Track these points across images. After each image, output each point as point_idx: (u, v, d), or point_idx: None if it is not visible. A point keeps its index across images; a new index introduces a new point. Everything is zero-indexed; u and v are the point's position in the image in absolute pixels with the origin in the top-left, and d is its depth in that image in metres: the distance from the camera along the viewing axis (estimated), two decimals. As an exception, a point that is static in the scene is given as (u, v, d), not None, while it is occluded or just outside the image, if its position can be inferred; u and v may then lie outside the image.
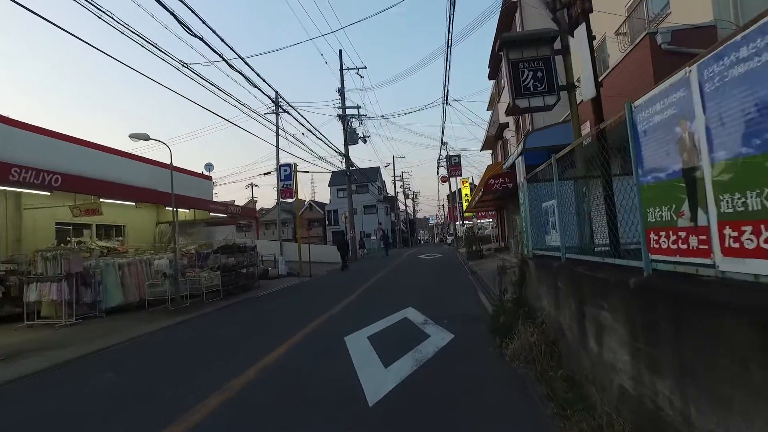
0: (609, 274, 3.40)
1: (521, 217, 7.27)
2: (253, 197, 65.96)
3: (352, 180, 56.66)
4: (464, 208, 39.06)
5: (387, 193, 76.84)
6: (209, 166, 23.64)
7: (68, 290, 9.81)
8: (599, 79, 8.66)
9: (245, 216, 17.15)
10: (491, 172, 23.58)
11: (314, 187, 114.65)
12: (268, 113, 31.13)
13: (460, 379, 4.74)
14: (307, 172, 33.39)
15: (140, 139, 11.21)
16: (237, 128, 54.25)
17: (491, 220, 47.00)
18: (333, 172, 63.03)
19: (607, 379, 3.35)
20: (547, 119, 14.58)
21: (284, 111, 29.94)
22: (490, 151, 30.27)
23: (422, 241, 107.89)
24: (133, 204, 15.31)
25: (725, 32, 7.31)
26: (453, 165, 41.48)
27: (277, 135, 30.95)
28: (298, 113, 23.86)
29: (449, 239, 53.85)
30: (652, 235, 2.81)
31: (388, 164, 64.91)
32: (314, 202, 77.91)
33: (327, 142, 27.47)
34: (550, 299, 5.09)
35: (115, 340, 8.08)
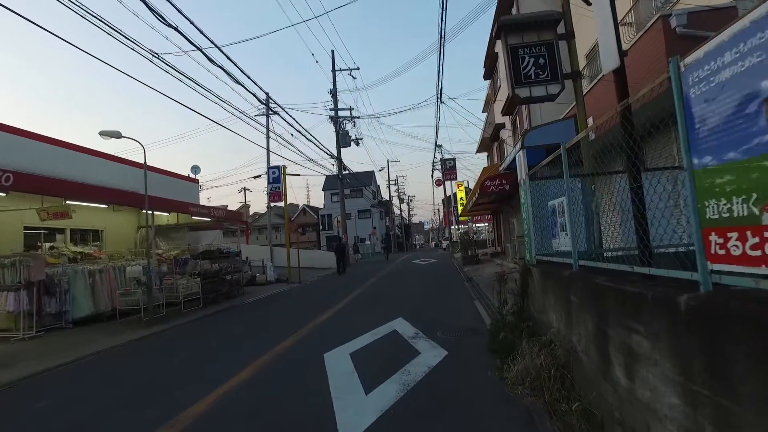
0: (642, 287, 2.64)
1: (522, 220, 6.53)
2: (245, 202, 65.04)
3: (346, 184, 55.95)
4: (459, 212, 38.35)
5: (381, 198, 76.15)
6: (195, 169, 22.83)
7: (27, 300, 8.98)
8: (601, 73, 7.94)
9: (231, 220, 16.36)
10: (487, 174, 22.91)
11: (309, 191, 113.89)
12: (258, 115, 30.36)
13: (453, 411, 3.96)
14: (299, 175, 32.70)
15: (111, 137, 10.42)
16: (227, 131, 53.42)
17: (487, 224, 46.34)
18: (327, 176, 62.27)
19: (643, 424, 2.59)
20: (546, 116, 13.88)
21: (275, 113, 29.26)
22: (486, 154, 29.59)
23: (417, 246, 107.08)
24: (110, 207, 14.51)
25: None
26: (448, 169, 40.82)
27: (268, 137, 30.22)
28: (289, 115, 23.23)
29: (444, 244, 53.14)
30: (713, 237, 2.05)
31: (382, 168, 64.24)
32: (308, 206, 77.10)
33: (318, 144, 26.79)
34: (560, 314, 4.35)
35: (70, 356, 7.25)
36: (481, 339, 6.33)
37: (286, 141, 38.13)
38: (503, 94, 18.76)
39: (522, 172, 6.17)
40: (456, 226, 44.52)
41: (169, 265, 12.69)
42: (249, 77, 19.46)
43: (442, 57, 16.80)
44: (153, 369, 6.38)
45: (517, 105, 13.89)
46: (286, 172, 29.77)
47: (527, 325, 5.33)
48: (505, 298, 6.82)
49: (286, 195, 20.13)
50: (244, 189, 64.75)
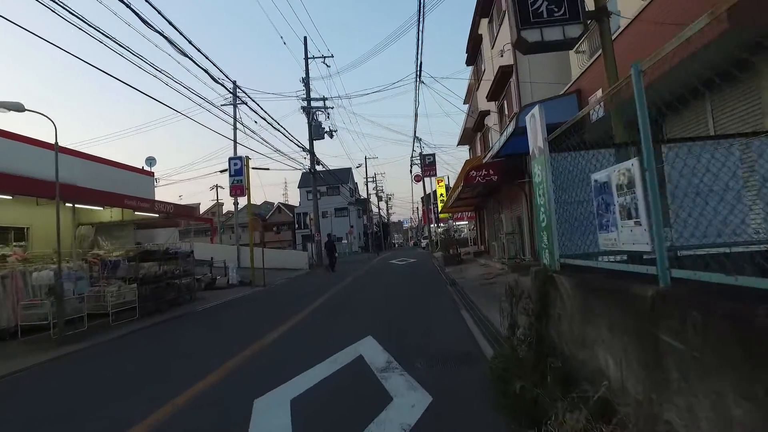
0: None
1: (537, 206, 4.72)
2: (217, 199, 62.42)
3: (323, 182, 53.90)
4: (439, 209, 36.70)
5: (359, 196, 74.21)
6: (150, 161, 20.62)
7: None
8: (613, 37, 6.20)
9: (182, 216, 14.33)
10: (471, 166, 21.21)
11: (286, 190, 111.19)
12: (225, 104, 28.17)
13: None
14: (268, 169, 30.67)
15: (10, 110, 8.34)
16: (194, 123, 50.95)
17: (467, 222, 44.82)
18: (303, 173, 60.19)
19: None
20: (539, 97, 12.19)
21: (242, 102, 27.19)
22: (468, 146, 27.95)
23: (396, 245, 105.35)
24: (35, 202, 12.34)
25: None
26: (427, 165, 39.15)
27: (235, 128, 28.08)
28: (258, 105, 21.28)
29: (423, 243, 51.51)
30: None
31: (360, 165, 62.31)
32: (284, 204, 74.79)
33: (288, 135, 24.75)
34: (628, 360, 2.55)
35: None
36: (478, 373, 4.54)
37: (253, 132, 35.15)
38: (488, 77, 17.09)
39: (537, 138, 4.37)
40: (435, 225, 42.88)
41: (95, 268, 10.62)
42: (214, 64, 17.37)
43: (421, 24, 14.99)
44: (43, 406, 4.42)
45: (524, 52, 12.18)
46: (255, 166, 27.76)
47: (551, 364, 3.53)
48: (514, 321, 4.94)
49: (249, 189, 18.12)
50: (216, 186, 62.16)
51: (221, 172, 29.05)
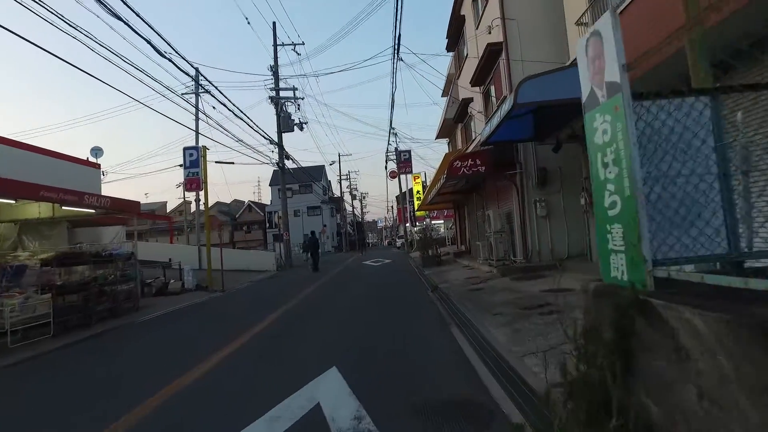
0: None
1: (598, 184, 3.02)
2: (184, 197, 59.52)
3: (295, 179, 51.80)
4: (416, 207, 35.17)
5: (333, 194, 72.23)
6: (96, 152, 18.38)
7: None
8: None
9: (125, 211, 12.24)
10: (454, 156, 19.65)
11: (260, 188, 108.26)
12: (186, 93, 25.97)
13: None
14: (232, 163, 28.31)
15: None
16: (152, 112, 48.14)
17: (444, 221, 43.43)
18: (274, 171, 57.77)
19: None
20: (537, 71, 10.61)
21: (206, 91, 25.14)
22: (447, 140, 26.42)
23: (371, 244, 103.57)
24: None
25: None
26: (402, 161, 37.57)
27: (197, 118, 25.95)
28: (222, 93, 19.24)
29: (399, 242, 49.91)
30: None
31: (333, 162, 60.33)
32: (254, 203, 72.26)
33: (254, 126, 22.64)
34: None
35: None
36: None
37: (218, 123, 32.31)
38: (473, 60, 15.51)
39: (604, 70, 2.67)
40: (411, 224, 41.33)
41: None
42: (175, 50, 15.29)
43: None
44: None
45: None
46: (219, 160, 25.77)
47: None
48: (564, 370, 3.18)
49: (206, 182, 16.14)
50: (183, 183, 59.24)
51: (181, 166, 26.80)
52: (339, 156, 61.55)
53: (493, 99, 14.45)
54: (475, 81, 14.98)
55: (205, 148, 16.22)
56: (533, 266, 11.41)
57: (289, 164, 28.41)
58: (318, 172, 63.50)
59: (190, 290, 16.82)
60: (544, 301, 7.50)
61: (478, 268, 14.24)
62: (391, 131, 30.50)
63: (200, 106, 26.68)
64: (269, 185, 66.23)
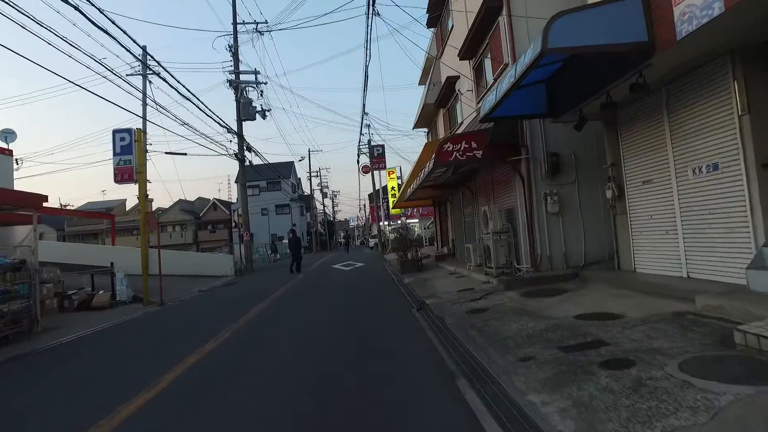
0: None
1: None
2: (146, 195, 55.49)
3: (262, 176, 48.67)
4: (391, 204, 32.66)
5: (302, 192, 69.21)
6: (8, 135, 15.21)
7: None
8: None
9: (14, 205, 9.26)
10: (444, 139, 17.27)
11: (230, 185, 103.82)
12: (132, 74, 22.82)
13: None
14: (185, 154, 25.37)
15: None
16: (94, 98, 44.20)
17: (419, 220, 41.08)
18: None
19: None
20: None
21: (154, 73, 22.16)
22: (426, 130, 24.01)
23: (342, 244, 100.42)
24: None
25: None
26: (376, 156, 35.04)
27: (144, 103, 22.84)
28: (172, 76, 16.38)
29: (371, 242, 47.35)
30: None
31: (302, 158, 57.48)
32: (219, 201, 68.54)
33: (210, 112, 19.74)
34: None
35: None
36: None
37: (164, 109, 28.42)
38: (460, 30, 13.09)
39: None
40: (385, 223, 38.87)
41: None
42: (118, 26, 12.34)
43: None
44: None
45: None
46: (171, 151, 23.23)
47: None
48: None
49: (143, 173, 13.27)
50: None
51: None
52: (309, 152, 58.57)
53: (488, 73, 12.05)
54: (465, 52, 12.56)
55: (140, 131, 13.34)
56: (544, 276, 9.05)
57: (256, 161, 25.58)
58: (287, 168, 60.43)
59: (124, 303, 13.98)
60: (590, 335, 5.09)
61: (470, 276, 11.83)
62: (365, 117, 27.78)
63: (149, 92, 23.50)
64: (235, 182, 62.75)
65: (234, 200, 64.56)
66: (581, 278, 8.74)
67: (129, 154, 13.36)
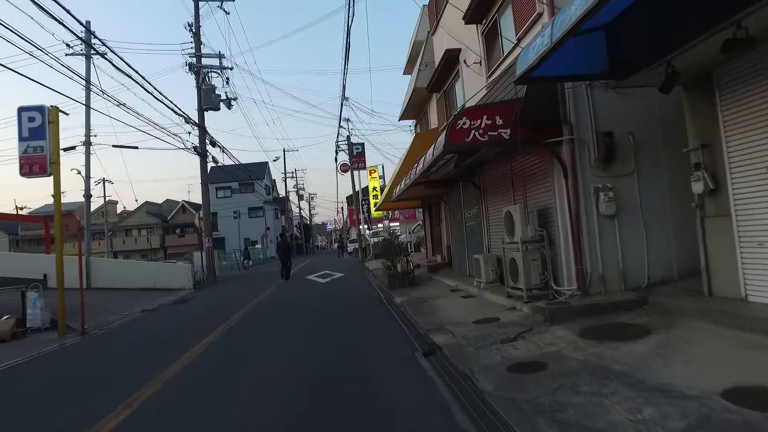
0: None
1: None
2: (105, 196, 51.91)
3: (233, 177, 45.42)
4: (373, 206, 29.89)
5: (277, 194, 65.94)
6: None
7: None
8: None
9: None
10: (426, 139, 14.61)
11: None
12: (72, 54, 19.64)
13: None
14: (136, 148, 22.60)
15: None
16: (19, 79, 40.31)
17: (401, 224, 38.43)
18: (212, 168, 50.85)
19: None
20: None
21: (99, 54, 19.25)
22: (414, 122, 21.38)
23: (319, 248, 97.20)
24: None
25: None
26: (355, 155, 32.29)
27: (88, 89, 19.69)
28: (122, 59, 13.58)
29: (350, 247, 44.42)
30: None
31: (277, 158, 54.38)
32: (189, 203, 64.65)
33: (163, 98, 16.72)
34: None
35: None
36: None
37: (105, 94, 24.22)
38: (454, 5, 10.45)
39: None
40: (365, 226, 36.09)
41: None
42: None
43: None
44: None
45: None
46: (120, 144, 20.54)
47: None
48: None
49: (56, 163, 10.27)
50: (104, 180, 51.96)
51: (65, 150, 20.35)
52: (284, 152, 55.42)
53: (506, 34, 9.44)
54: (473, 13, 9.97)
55: (55, 109, 10.33)
56: (600, 304, 6.43)
57: (228, 161, 22.53)
58: (260, 169, 57.15)
59: (38, 330, 10.93)
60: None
61: (483, 297, 9.19)
62: (345, 103, 24.84)
63: (94, 77, 20.33)
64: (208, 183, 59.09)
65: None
66: (653, 307, 6.17)
67: (41, 140, 10.34)
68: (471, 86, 11.27)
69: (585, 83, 7.06)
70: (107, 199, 54.69)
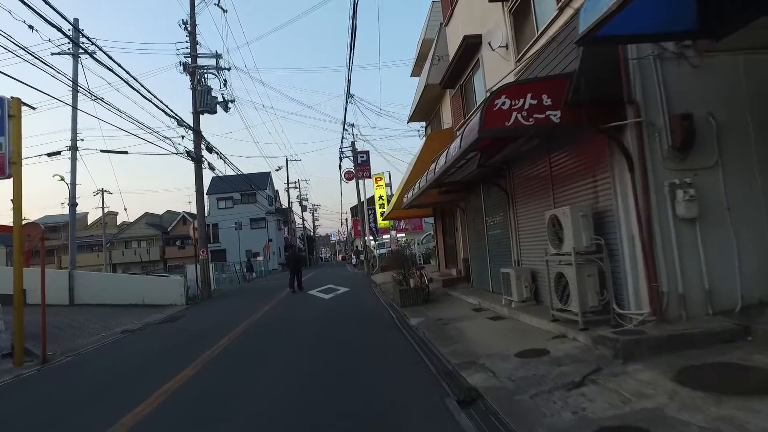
0: None
1: None
2: (104, 207, 50.74)
3: (235, 187, 44.09)
4: (379, 215, 28.39)
5: (280, 204, 64.59)
6: None
7: None
8: None
9: None
10: (440, 139, 13.26)
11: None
12: (59, 53, 18.43)
13: None
14: (126, 152, 21.08)
15: None
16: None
17: (405, 234, 36.87)
18: (213, 178, 49.50)
19: None
20: None
21: (88, 53, 18.13)
22: (424, 124, 19.97)
23: (323, 259, 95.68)
24: None
25: None
26: (360, 164, 30.94)
27: (75, 89, 18.39)
28: (110, 57, 12.43)
29: (354, 259, 42.93)
30: None
31: (279, 168, 53.16)
32: (189, 214, 63.32)
33: (149, 95, 15.41)
34: None
35: None
36: None
37: (92, 95, 23.15)
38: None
39: None
40: (370, 238, 34.57)
41: None
42: None
43: None
44: None
45: None
46: (108, 149, 19.36)
47: None
48: None
49: (17, 164, 8.88)
50: (102, 191, 50.82)
51: (48, 155, 18.99)
52: (287, 161, 54.19)
53: (537, 14, 8.03)
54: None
55: (17, 100, 8.97)
56: (688, 334, 4.92)
57: (229, 171, 21.18)
58: (262, 179, 55.83)
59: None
60: None
61: (517, 319, 7.68)
62: (350, 100, 23.42)
63: (82, 77, 19.04)
64: (206, 194, 57.85)
65: (207, 214, 59.53)
66: (761, 339, 4.65)
67: None
68: (494, 74, 9.85)
69: (652, 54, 5.60)
70: (106, 210, 53.48)
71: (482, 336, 6.99)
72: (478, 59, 10.97)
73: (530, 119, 5.49)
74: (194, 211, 66.56)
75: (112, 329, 12.10)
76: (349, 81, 23.52)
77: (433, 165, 9.20)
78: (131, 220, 61.81)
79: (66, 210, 56.81)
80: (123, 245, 61.35)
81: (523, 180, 8.78)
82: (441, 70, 13.76)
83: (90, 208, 75.74)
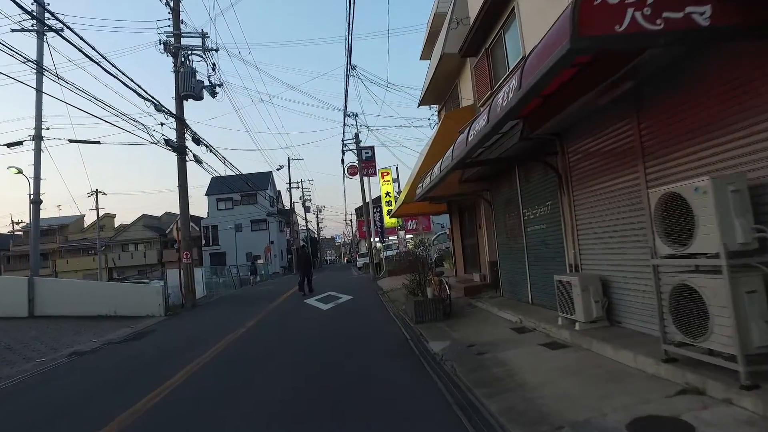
0: None
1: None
2: (97, 208, 48.69)
3: (234, 187, 41.85)
4: (385, 214, 26.05)
5: (282, 206, 62.39)
6: None
7: None
8: None
9: None
10: (460, 118, 10.95)
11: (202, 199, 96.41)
12: (19, 30, 16.25)
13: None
14: (98, 143, 19.04)
15: None
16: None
17: (413, 235, 34.48)
18: (213, 179, 47.37)
19: None
20: None
21: (53, 30, 16.14)
22: (436, 107, 17.61)
23: (328, 261, 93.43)
24: None
25: None
26: (364, 160, 28.57)
27: (40, 71, 16.20)
28: (79, 36, 10.35)
29: (360, 262, 40.61)
30: None
31: (281, 167, 51.03)
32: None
33: (121, 76, 13.30)
34: None
35: None
36: None
37: (59, 79, 20.98)
38: None
39: None
40: (377, 239, 32.19)
41: None
42: None
43: None
44: None
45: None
46: (76, 139, 17.10)
47: None
48: None
49: None
50: (96, 192, 48.84)
51: (8, 146, 16.72)
52: (288, 160, 52.02)
53: None
54: None
55: None
56: None
57: (225, 170, 18.91)
58: (263, 179, 53.60)
59: None
60: None
61: (593, 350, 5.30)
62: (352, 72, 20.89)
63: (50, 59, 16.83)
64: (205, 194, 55.86)
65: (205, 215, 57.45)
66: None
67: None
68: (538, 25, 7.50)
69: None
70: (104, 211, 51.37)
71: (547, 379, 4.62)
72: (513, 8, 8.62)
73: (658, 21, 3.14)
74: (194, 212, 64.45)
75: (59, 350, 9.81)
76: (350, 47, 21.12)
77: (463, 135, 6.85)
78: (128, 222, 59.68)
79: (61, 213, 54.55)
80: (120, 248, 59.22)
81: (587, 155, 6.39)
82: (461, 35, 11.41)
83: (86, 210, 73.52)
